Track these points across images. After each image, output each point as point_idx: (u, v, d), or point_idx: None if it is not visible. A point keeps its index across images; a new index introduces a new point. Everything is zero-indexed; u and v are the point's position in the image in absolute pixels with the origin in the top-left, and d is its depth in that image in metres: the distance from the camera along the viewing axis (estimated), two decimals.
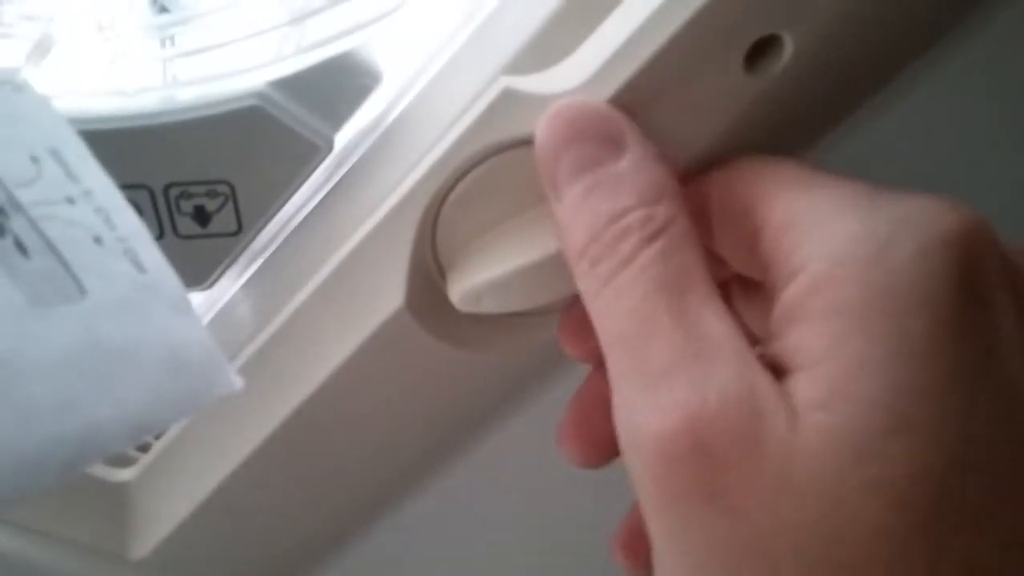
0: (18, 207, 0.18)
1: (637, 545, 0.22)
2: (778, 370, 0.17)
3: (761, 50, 0.21)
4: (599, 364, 0.24)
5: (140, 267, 0.20)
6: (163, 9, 0.31)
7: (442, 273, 0.25)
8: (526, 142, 0.22)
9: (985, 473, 0.15)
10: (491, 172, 0.23)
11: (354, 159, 0.31)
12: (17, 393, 0.16)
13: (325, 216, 0.31)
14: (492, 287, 0.22)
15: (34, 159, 0.20)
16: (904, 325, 0.15)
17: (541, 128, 0.20)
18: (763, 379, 0.16)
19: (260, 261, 0.32)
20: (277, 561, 0.33)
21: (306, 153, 0.30)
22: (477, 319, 0.25)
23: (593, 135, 0.20)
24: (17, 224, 0.18)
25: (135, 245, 0.20)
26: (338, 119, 0.30)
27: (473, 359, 0.26)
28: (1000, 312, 0.16)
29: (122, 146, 0.29)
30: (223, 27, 0.31)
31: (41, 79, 0.30)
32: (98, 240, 0.20)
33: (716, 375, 0.16)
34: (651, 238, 0.18)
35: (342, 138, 0.30)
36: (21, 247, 0.18)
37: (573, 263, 0.20)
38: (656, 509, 0.17)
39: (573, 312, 0.24)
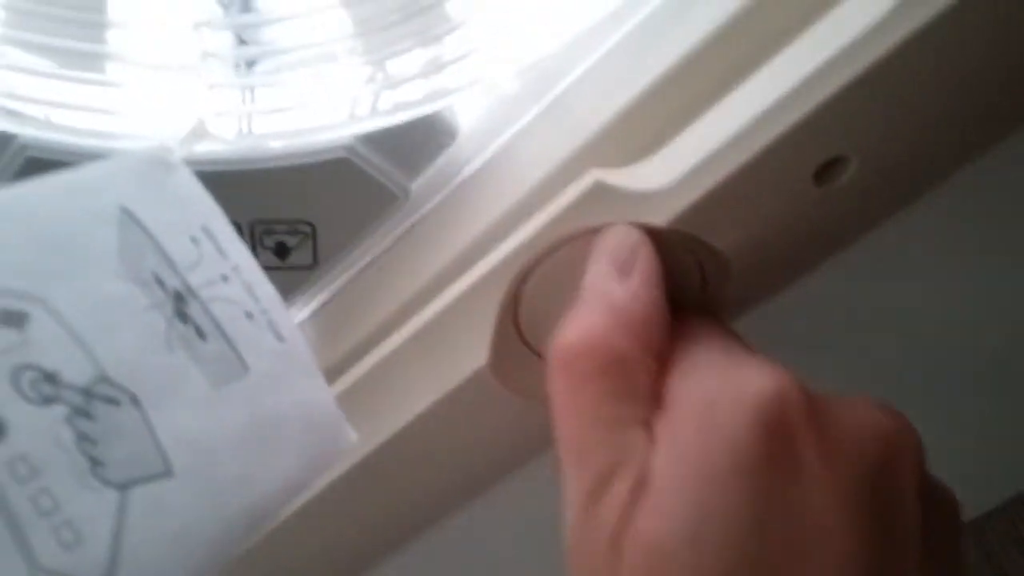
0: (192, 292, 0.21)
1: None
2: None
3: (829, 166, 0.24)
4: None
5: (280, 337, 0.23)
6: (250, 63, 0.33)
7: (520, 334, 0.28)
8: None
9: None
10: (572, 252, 0.26)
11: (425, 208, 0.33)
12: (210, 472, 0.19)
13: (396, 258, 0.33)
14: None
15: (194, 240, 0.22)
16: (717, 456, 0.19)
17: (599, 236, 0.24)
18: (635, 501, 0.20)
19: (326, 294, 0.35)
20: None
21: (384, 200, 0.33)
22: None
23: (615, 257, 0.24)
24: (194, 309, 0.21)
25: (275, 316, 0.23)
26: (415, 171, 0.33)
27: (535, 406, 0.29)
28: (800, 450, 0.20)
29: (220, 186, 0.31)
30: (307, 86, 0.33)
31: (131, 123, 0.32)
32: (249, 315, 0.22)
33: (611, 504, 0.21)
34: (604, 370, 0.22)
35: (417, 188, 0.33)
36: (200, 332, 0.20)
37: (551, 356, 0.23)
38: None
39: None
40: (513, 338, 0.28)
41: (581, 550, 0.20)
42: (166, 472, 0.17)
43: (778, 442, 0.20)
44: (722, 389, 0.20)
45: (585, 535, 0.20)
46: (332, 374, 0.31)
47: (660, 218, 0.24)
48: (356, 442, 0.24)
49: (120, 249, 0.19)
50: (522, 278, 0.27)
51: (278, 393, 0.21)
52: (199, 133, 0.27)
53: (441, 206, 0.32)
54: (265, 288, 0.23)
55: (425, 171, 0.33)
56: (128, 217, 0.20)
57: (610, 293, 0.23)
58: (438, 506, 0.33)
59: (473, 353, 0.28)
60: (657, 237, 0.24)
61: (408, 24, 0.32)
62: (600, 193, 0.25)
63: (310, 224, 0.33)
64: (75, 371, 0.16)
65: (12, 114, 0.30)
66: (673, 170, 0.24)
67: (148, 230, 0.20)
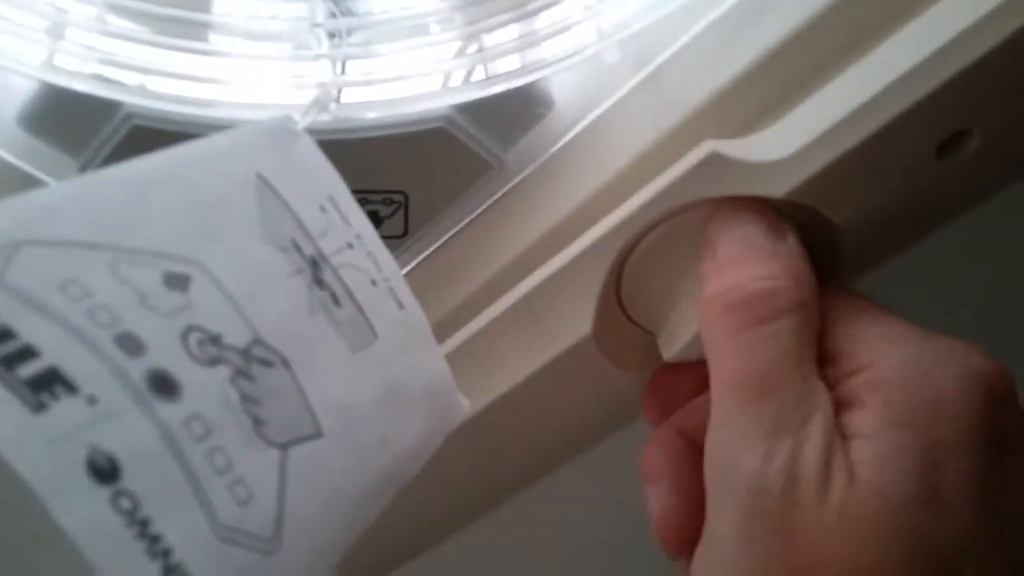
0: (325, 259, 0.21)
1: (682, 533, 0.25)
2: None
3: (953, 140, 0.24)
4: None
5: (400, 304, 0.23)
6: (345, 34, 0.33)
7: (621, 306, 0.28)
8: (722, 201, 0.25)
9: (985, 556, 0.20)
10: (682, 225, 0.26)
11: (519, 178, 0.33)
12: (353, 435, 0.19)
13: (488, 228, 0.34)
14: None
15: (322, 208, 0.22)
16: (942, 427, 0.20)
17: (720, 207, 0.24)
18: (839, 447, 0.21)
19: (417, 263, 0.35)
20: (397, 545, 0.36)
21: (478, 170, 0.33)
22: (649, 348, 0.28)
23: (764, 222, 0.23)
24: (328, 276, 0.21)
25: (395, 284, 0.23)
26: (510, 141, 0.33)
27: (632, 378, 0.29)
28: (1012, 432, 0.21)
29: None
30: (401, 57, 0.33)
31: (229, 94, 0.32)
32: (374, 283, 0.22)
33: (809, 444, 0.21)
34: (791, 310, 0.22)
35: (510, 157, 0.33)
36: (335, 298, 0.21)
37: (704, 304, 0.23)
38: (740, 537, 0.21)
39: (654, 387, 0.28)
40: (614, 310, 0.28)
41: (762, 480, 0.21)
42: (317, 433, 0.18)
43: (997, 420, 0.21)
44: (936, 363, 0.21)
45: (768, 467, 0.21)
46: None
47: (778, 190, 0.24)
48: (468, 411, 0.24)
49: (260, 216, 0.20)
50: (630, 249, 0.27)
51: (403, 360, 0.22)
52: (322, 102, 0.27)
53: (535, 176, 0.32)
54: (385, 256, 0.23)
55: (520, 141, 0.33)
56: (264, 184, 0.20)
57: (772, 249, 0.23)
58: (527, 474, 0.34)
59: (575, 323, 0.28)
60: (775, 209, 0.24)
61: None
62: (716, 163, 0.25)
63: (403, 193, 0.33)
64: (234, 333, 0.17)
65: (116, 83, 0.31)
66: (793, 142, 0.24)
67: (283, 198, 0.21)
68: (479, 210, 0.34)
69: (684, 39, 0.31)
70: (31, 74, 0.31)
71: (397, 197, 0.34)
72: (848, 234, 0.25)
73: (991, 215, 0.28)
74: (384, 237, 0.35)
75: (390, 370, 0.21)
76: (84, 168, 0.32)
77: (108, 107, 0.31)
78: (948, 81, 0.22)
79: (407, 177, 0.33)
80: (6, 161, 0.32)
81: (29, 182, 0.32)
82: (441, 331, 0.33)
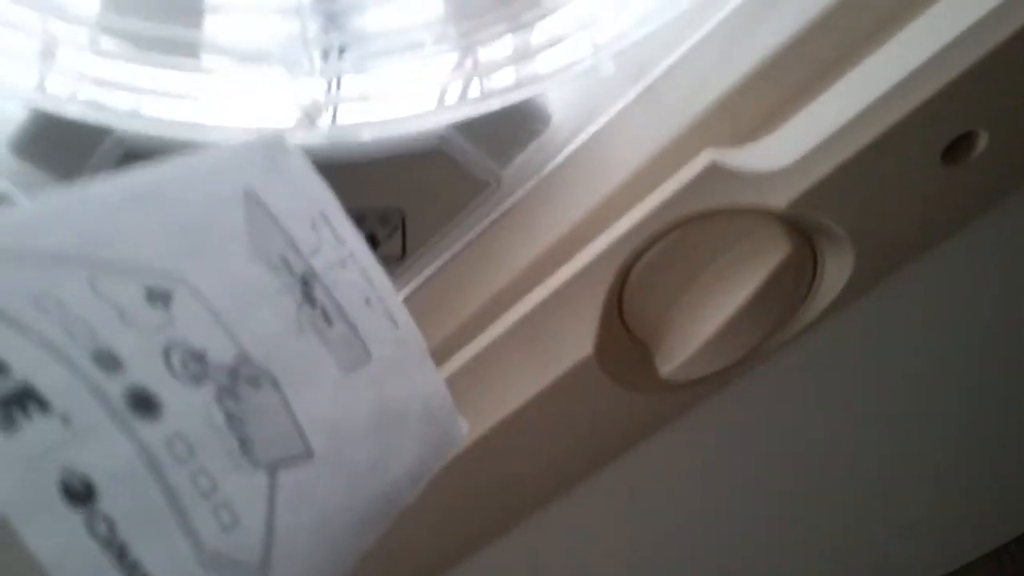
0: (316, 277, 0.20)
1: None
2: None
3: (958, 143, 0.23)
4: None
5: (395, 323, 0.22)
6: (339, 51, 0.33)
7: (625, 324, 0.27)
8: (723, 212, 0.24)
9: None
10: (683, 238, 0.25)
11: (518, 195, 0.33)
12: (347, 456, 0.18)
13: (487, 247, 0.33)
14: (702, 353, 0.24)
15: (314, 225, 0.22)
16: None
17: None
18: None
19: (416, 284, 0.35)
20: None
21: (475, 188, 0.32)
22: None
23: None
24: (319, 294, 0.20)
25: (390, 303, 0.22)
26: (508, 157, 0.32)
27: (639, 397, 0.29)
28: None
29: None
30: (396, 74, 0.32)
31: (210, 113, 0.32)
32: (367, 302, 0.22)
33: None
34: None
35: (508, 174, 0.32)
36: (327, 316, 0.20)
37: None
38: None
39: None
40: (617, 327, 0.28)
41: None
42: (307, 454, 0.17)
43: None
44: None
45: None
46: None
47: (781, 200, 0.24)
48: (467, 434, 0.23)
49: (249, 232, 0.19)
50: (631, 264, 0.26)
51: (399, 381, 0.21)
52: (311, 119, 0.26)
53: (534, 193, 0.32)
54: (379, 275, 0.23)
55: (517, 158, 0.32)
56: (253, 201, 0.20)
57: None
58: (534, 498, 0.33)
59: (577, 343, 0.27)
60: (775, 220, 0.23)
61: (499, 10, 0.32)
62: (716, 174, 0.24)
63: (400, 213, 0.33)
64: (219, 350, 0.16)
65: (107, 108, 0.30)
66: (794, 150, 0.24)
67: (272, 214, 0.20)
68: (478, 228, 0.34)
69: (680, 50, 0.30)
70: (22, 100, 0.31)
71: (394, 217, 0.33)
72: (856, 243, 0.25)
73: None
74: (382, 257, 0.34)
75: (384, 391, 0.20)
76: None
77: (99, 132, 0.30)
78: (949, 84, 0.21)
79: (404, 196, 0.33)
80: None
81: None
82: (443, 353, 0.32)
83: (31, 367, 0.13)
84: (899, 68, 0.22)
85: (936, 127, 0.23)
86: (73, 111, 0.30)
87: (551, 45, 0.31)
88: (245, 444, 0.16)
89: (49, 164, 0.32)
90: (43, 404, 0.13)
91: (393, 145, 0.31)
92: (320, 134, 0.32)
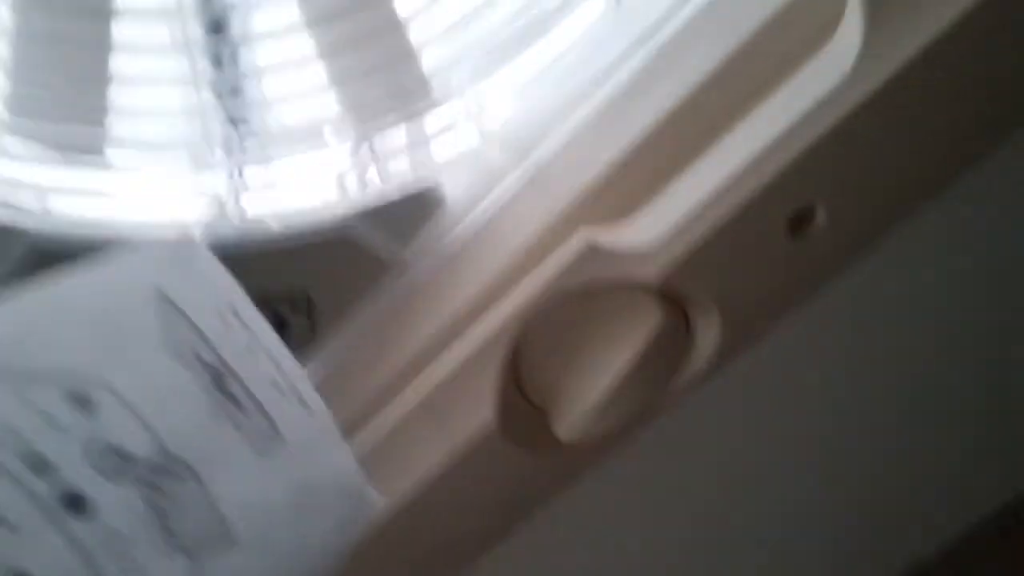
0: (227, 367, 0.22)
1: None
2: None
3: (801, 217, 0.26)
4: None
5: (306, 407, 0.24)
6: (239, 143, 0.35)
7: (523, 393, 0.29)
8: (598, 287, 0.27)
9: None
10: (566, 310, 0.28)
11: (419, 275, 0.35)
12: (269, 540, 0.19)
13: (392, 326, 0.35)
14: (593, 415, 0.27)
15: (221, 316, 0.23)
16: None
17: None
18: None
19: (326, 366, 0.36)
20: None
21: (380, 269, 0.34)
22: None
23: None
24: (231, 384, 0.22)
25: (300, 387, 0.24)
26: (406, 239, 0.34)
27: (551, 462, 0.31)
28: None
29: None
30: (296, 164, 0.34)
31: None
32: (278, 387, 0.23)
33: None
34: None
35: (409, 254, 0.34)
36: (239, 405, 0.21)
37: None
38: None
39: None
40: (516, 396, 0.30)
41: None
42: (231, 541, 0.18)
43: None
44: None
45: None
46: None
47: (651, 274, 0.26)
48: (381, 506, 0.25)
49: (161, 329, 0.21)
50: (519, 338, 0.28)
51: (313, 462, 0.22)
52: (222, 215, 0.28)
53: (434, 273, 0.34)
54: (288, 361, 0.24)
55: (415, 239, 0.34)
56: (163, 299, 0.21)
57: None
58: (452, 562, 0.34)
59: (477, 411, 0.29)
60: (648, 292, 0.26)
61: (392, 103, 0.34)
62: (591, 252, 0.27)
63: (307, 297, 0.34)
64: (139, 445, 0.18)
65: (15, 208, 0.31)
66: (658, 228, 0.26)
67: (182, 310, 0.21)
68: (382, 306, 0.35)
69: (560, 133, 0.33)
70: None
71: (301, 301, 0.35)
72: (722, 310, 0.27)
73: None
74: (294, 339, 0.36)
75: (299, 472, 0.22)
76: None
77: (8, 234, 0.31)
78: (786, 163, 0.24)
79: (311, 280, 0.34)
80: None
81: None
82: (353, 427, 0.33)
83: None
84: (743, 150, 0.25)
85: (778, 201, 0.26)
86: None
87: (441, 133, 0.34)
88: (169, 534, 0.17)
89: None
90: None
91: (300, 233, 0.33)
92: (228, 224, 0.33)
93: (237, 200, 0.34)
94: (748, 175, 0.24)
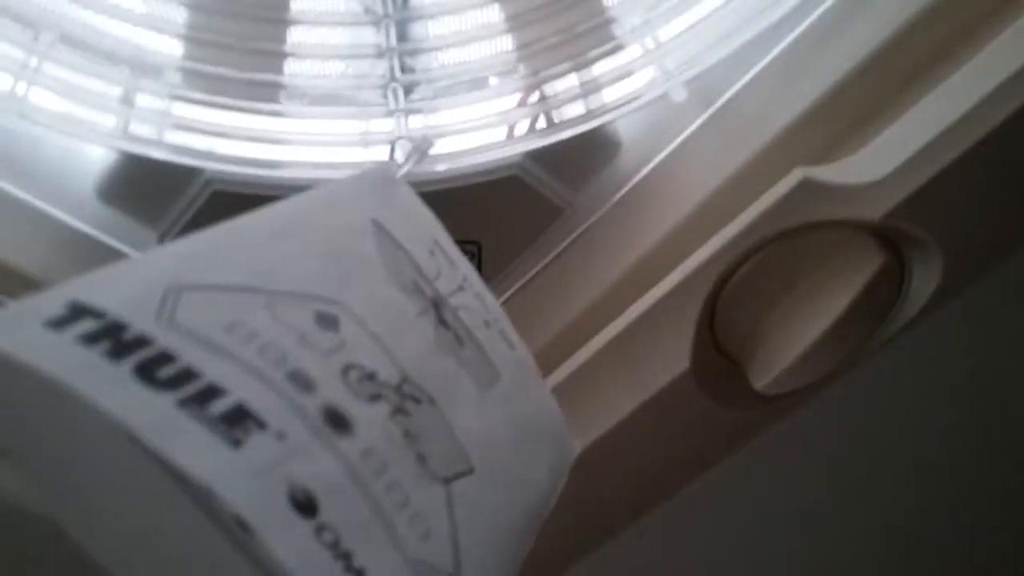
0: (443, 300, 0.21)
1: None
2: None
3: None
4: None
5: (511, 345, 0.23)
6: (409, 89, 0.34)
7: (716, 340, 0.28)
8: (814, 227, 0.25)
9: None
10: (774, 254, 0.26)
11: (591, 221, 0.33)
12: (499, 471, 0.19)
13: (562, 272, 0.34)
14: (797, 365, 0.25)
15: (431, 252, 0.22)
16: None
17: None
18: None
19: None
20: None
21: (549, 215, 0.33)
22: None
23: None
24: (449, 317, 0.21)
25: (504, 325, 0.23)
26: (580, 184, 0.33)
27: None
28: None
29: None
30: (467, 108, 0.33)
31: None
32: (486, 323, 0.22)
33: None
34: None
35: (581, 200, 0.33)
36: (458, 338, 0.21)
37: None
38: None
39: None
40: (708, 344, 0.28)
41: None
42: (470, 469, 0.17)
43: None
44: None
45: None
46: None
47: (875, 212, 0.24)
48: (578, 452, 0.24)
49: (383, 260, 0.20)
50: (723, 281, 0.27)
51: (525, 399, 0.21)
52: (422, 150, 0.27)
53: (607, 218, 0.32)
54: (491, 299, 0.23)
55: (590, 184, 0.33)
56: (380, 230, 0.21)
57: None
58: (630, 511, 0.33)
59: (672, 359, 0.28)
60: (867, 232, 0.24)
61: (566, 48, 0.33)
62: (809, 189, 0.25)
63: (476, 243, 0.34)
64: (386, 371, 0.17)
65: (195, 150, 0.31)
66: (886, 163, 0.24)
67: (398, 242, 0.21)
68: (552, 255, 0.34)
69: (749, 75, 0.31)
70: (106, 143, 0.31)
71: (470, 247, 0.34)
72: (945, 251, 0.25)
73: None
74: None
75: (516, 409, 0.21)
76: (162, 238, 0.33)
77: (186, 174, 0.31)
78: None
79: (480, 226, 0.33)
80: (86, 233, 0.32)
81: (110, 254, 0.32)
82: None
83: (243, 389, 0.14)
84: (989, 80, 0.23)
85: (1008, 141, 0.24)
86: (160, 153, 0.31)
87: (616, 79, 0.32)
88: (422, 459, 0.16)
89: (136, 209, 0.32)
90: (260, 423, 0.14)
91: (471, 176, 0.32)
92: (399, 169, 0.32)
93: (408, 145, 0.33)
94: (996, 104, 0.22)
